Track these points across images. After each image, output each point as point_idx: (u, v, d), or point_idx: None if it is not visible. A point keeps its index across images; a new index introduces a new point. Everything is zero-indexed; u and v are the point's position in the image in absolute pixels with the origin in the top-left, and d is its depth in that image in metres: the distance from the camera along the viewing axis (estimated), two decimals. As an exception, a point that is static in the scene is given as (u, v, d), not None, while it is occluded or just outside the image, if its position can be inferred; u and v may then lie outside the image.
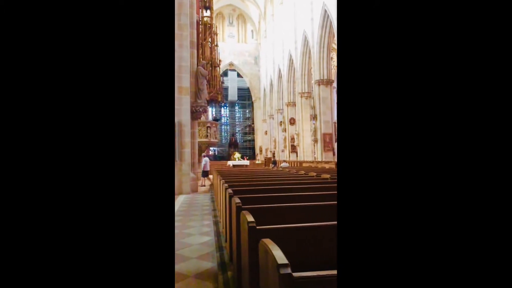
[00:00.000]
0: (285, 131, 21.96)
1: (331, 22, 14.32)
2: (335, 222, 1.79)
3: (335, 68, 18.87)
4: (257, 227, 1.68)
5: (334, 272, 1.04)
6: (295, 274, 0.98)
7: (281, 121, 23.57)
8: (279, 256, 1.03)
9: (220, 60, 16.43)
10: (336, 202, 2.54)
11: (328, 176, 5.47)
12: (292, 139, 20.50)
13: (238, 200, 2.42)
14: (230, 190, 3.16)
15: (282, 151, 23.10)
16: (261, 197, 3.02)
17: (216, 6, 24.69)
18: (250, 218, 1.74)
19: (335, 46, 16.34)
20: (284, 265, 0.98)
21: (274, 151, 25.34)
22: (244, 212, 1.90)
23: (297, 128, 19.32)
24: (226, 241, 3.57)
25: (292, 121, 20.85)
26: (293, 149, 20.47)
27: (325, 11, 14.44)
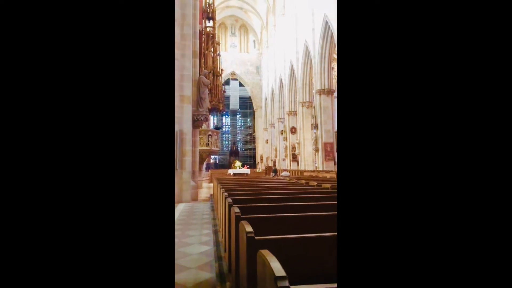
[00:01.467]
0: (286, 140, 21.96)
1: (332, 33, 14.48)
2: (336, 233, 1.77)
3: (336, 77, 18.98)
4: (256, 238, 1.66)
5: (333, 285, 1.02)
6: (293, 287, 0.96)
7: (282, 130, 23.60)
8: (277, 268, 1.01)
9: (222, 70, 16.58)
10: (336, 213, 2.52)
11: (329, 185, 5.44)
12: (293, 148, 20.48)
13: (237, 210, 2.41)
14: (229, 199, 3.14)
15: (283, 160, 23.04)
16: (261, 207, 3.00)
17: (219, 16, 25.09)
18: (249, 228, 1.72)
19: (336, 56, 16.48)
20: (281, 278, 0.96)
21: (275, 160, 25.28)
22: (243, 222, 1.89)
23: (298, 137, 19.33)
24: (225, 251, 3.53)
25: (293, 130, 20.87)
26: (294, 158, 20.43)
27: (326, 22, 14.63)
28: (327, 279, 1.48)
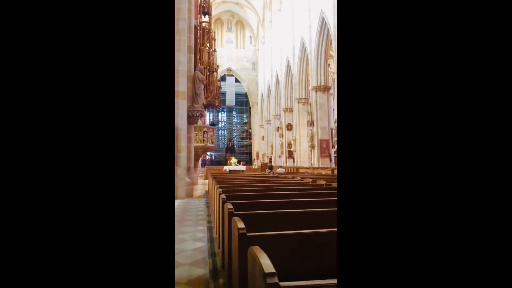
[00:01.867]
0: (282, 136, 21.98)
1: (328, 29, 14.44)
2: (328, 229, 1.77)
3: (332, 74, 19.00)
4: (248, 234, 1.65)
5: (323, 281, 1.01)
6: (282, 284, 0.95)
7: (278, 127, 23.61)
8: (266, 265, 1.00)
9: (218, 65, 16.48)
10: (329, 209, 2.52)
11: (323, 182, 5.45)
12: (289, 144, 20.50)
13: (230, 206, 2.39)
14: (223, 196, 3.12)
15: (279, 156, 23.08)
16: (255, 203, 2.99)
17: (214, 12, 24.87)
18: (241, 224, 1.71)
19: (332, 53, 16.47)
20: (271, 274, 0.95)
21: (271, 157, 25.32)
22: (235, 218, 1.87)
23: (294, 134, 19.34)
24: (219, 247, 3.52)
25: (289, 127, 20.88)
26: (290, 154, 20.46)
27: (323, 18, 14.58)
28: (319, 275, 1.48)
